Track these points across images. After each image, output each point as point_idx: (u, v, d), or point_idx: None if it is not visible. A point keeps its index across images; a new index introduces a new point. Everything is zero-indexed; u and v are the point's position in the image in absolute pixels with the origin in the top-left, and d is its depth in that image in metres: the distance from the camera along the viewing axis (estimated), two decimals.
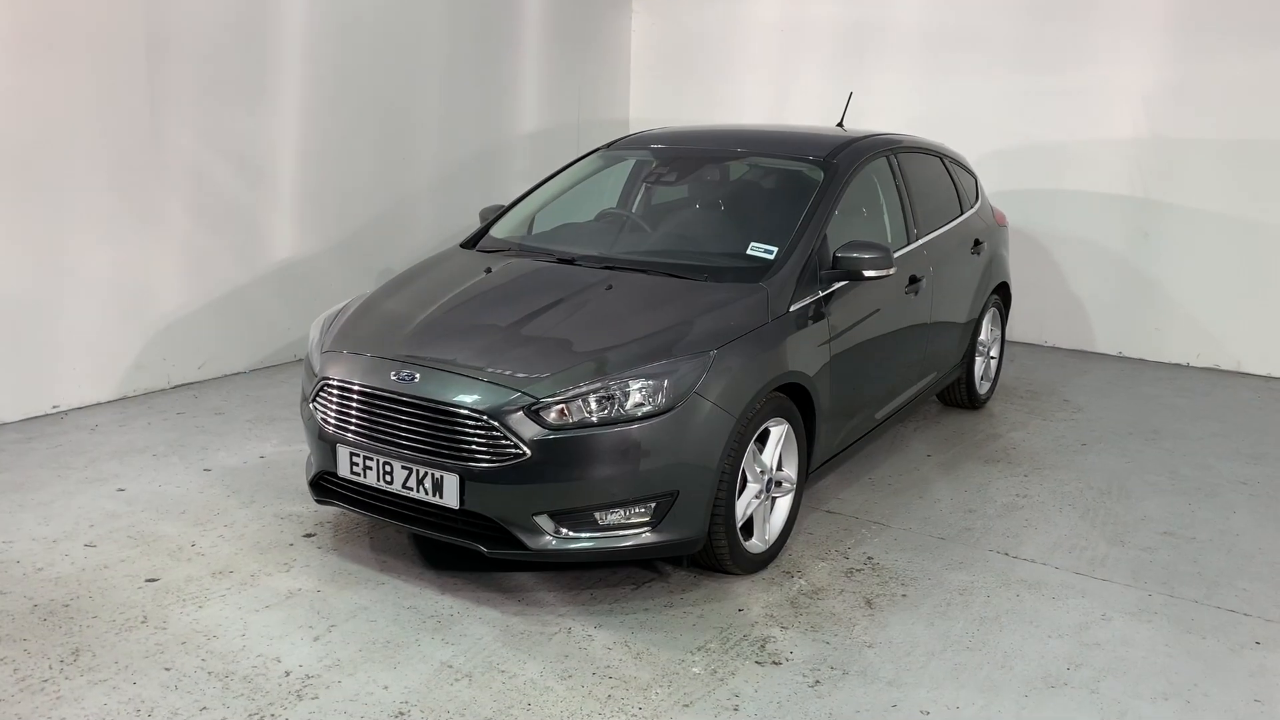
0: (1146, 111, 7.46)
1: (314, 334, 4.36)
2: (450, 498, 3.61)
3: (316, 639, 3.50)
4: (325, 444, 3.92)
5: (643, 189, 5.28)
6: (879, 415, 4.98)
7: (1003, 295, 6.47)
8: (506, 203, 5.35)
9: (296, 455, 5.19)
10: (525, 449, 3.52)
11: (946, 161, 5.97)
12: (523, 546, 3.60)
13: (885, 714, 3.18)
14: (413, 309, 4.22)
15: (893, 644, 3.58)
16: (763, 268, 4.28)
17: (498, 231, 5.05)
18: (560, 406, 3.56)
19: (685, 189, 5.09)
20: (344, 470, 3.86)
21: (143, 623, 3.57)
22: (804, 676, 3.36)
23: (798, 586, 3.98)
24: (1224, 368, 7.49)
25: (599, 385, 3.60)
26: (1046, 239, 7.92)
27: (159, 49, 5.92)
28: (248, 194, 6.56)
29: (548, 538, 3.60)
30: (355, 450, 3.81)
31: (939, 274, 5.36)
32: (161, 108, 5.97)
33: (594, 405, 3.57)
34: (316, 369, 4.07)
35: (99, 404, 5.91)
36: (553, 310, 4.03)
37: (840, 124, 6.20)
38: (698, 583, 3.97)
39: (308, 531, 4.34)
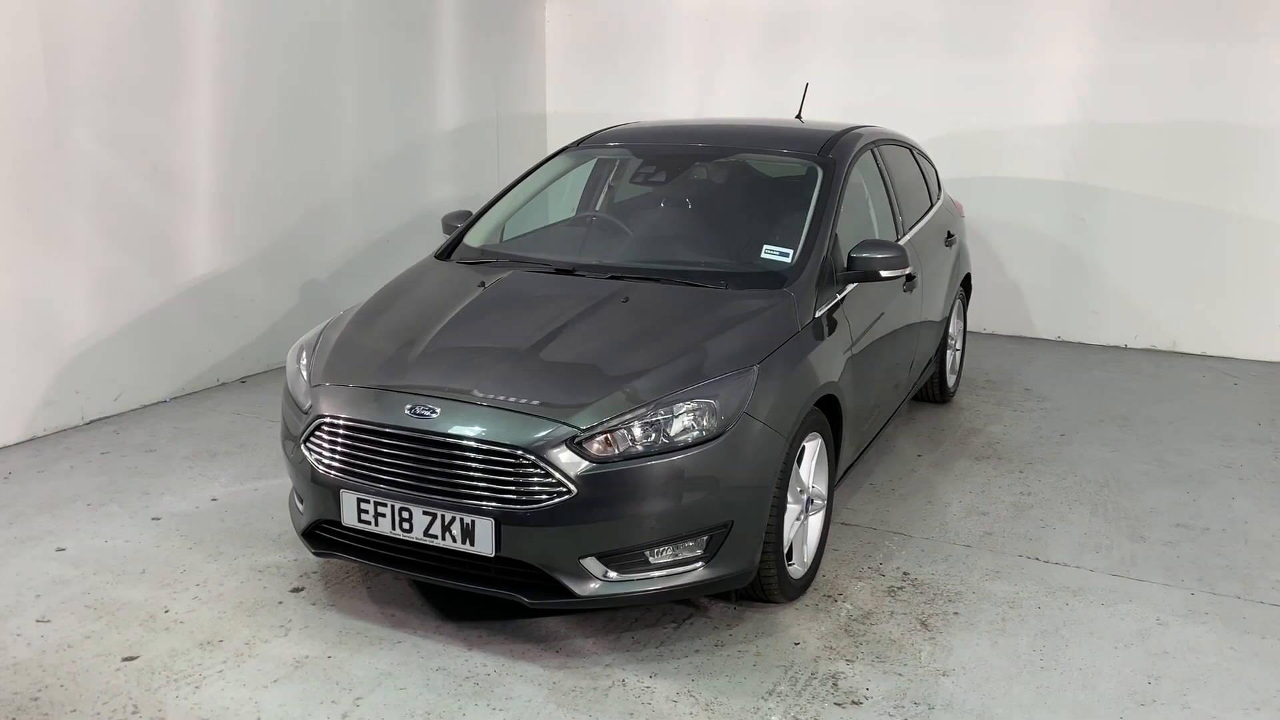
0: (1079, 96, 7.50)
1: (292, 364, 3.90)
2: (484, 544, 3.23)
3: (345, 716, 3.08)
4: (324, 490, 3.48)
5: (629, 190, 4.94)
6: (884, 420, 4.79)
7: (966, 286, 6.39)
8: (458, 208, 5.00)
9: (253, 496, 4.69)
10: (570, 486, 3.17)
11: (915, 153, 5.83)
12: (569, 594, 3.25)
13: None
14: (409, 332, 3.81)
15: (966, 669, 3.38)
16: (781, 273, 4.02)
17: (472, 240, 4.64)
18: (604, 437, 3.22)
19: (677, 189, 4.77)
20: (349, 519, 3.43)
21: (134, 714, 3.08)
22: (890, 716, 3.12)
23: (845, 611, 3.74)
24: (1161, 348, 7.61)
25: (643, 411, 3.27)
26: (983, 226, 7.90)
27: (57, 46, 5.27)
28: (160, 204, 5.94)
29: (596, 582, 3.26)
30: (364, 496, 3.38)
31: (924, 269, 5.21)
32: (62, 110, 5.32)
33: (639, 433, 3.24)
34: (305, 405, 3.61)
35: (6, 447, 5.25)
36: (571, 329, 3.68)
37: (799, 116, 6.00)
38: (741, 615, 3.69)
39: (294, 586, 3.87)
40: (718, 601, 3.76)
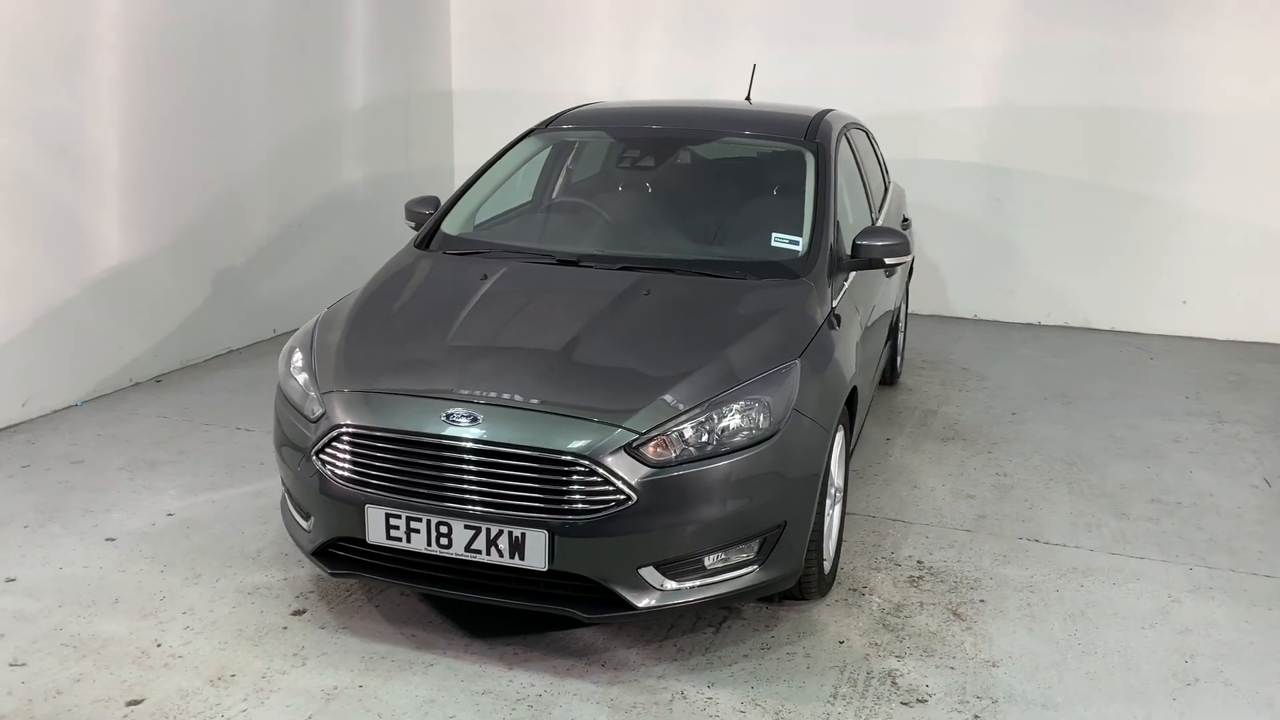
0: (997, 81, 7.67)
1: (284, 367, 3.58)
2: (536, 558, 3.03)
3: None
4: (344, 505, 3.20)
5: (614, 175, 4.74)
6: (869, 406, 4.78)
7: (909, 268, 6.45)
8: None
9: (213, 509, 4.31)
10: (630, 493, 2.99)
11: (870, 136, 5.82)
12: (628, 606, 3.08)
13: None
14: (423, 332, 3.55)
15: (1013, 659, 3.38)
16: (796, 262, 3.93)
17: (450, 227, 4.37)
18: (660, 440, 3.06)
19: (665, 174, 4.61)
20: (376, 536, 3.16)
21: None
22: (959, 713, 3.09)
23: (876, 605, 3.69)
24: (1073, 325, 7.89)
25: (697, 411, 3.12)
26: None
27: None
28: (65, 189, 5.40)
29: (654, 592, 3.10)
30: (394, 511, 3.12)
31: None
32: None
33: (694, 435, 3.10)
34: (313, 413, 3.31)
35: None
36: (600, 326, 3.49)
37: (748, 98, 5.91)
38: (776, 616, 3.59)
39: (294, 608, 3.57)
40: (750, 602, 3.65)
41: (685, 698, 3.12)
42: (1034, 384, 6.41)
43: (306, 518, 3.39)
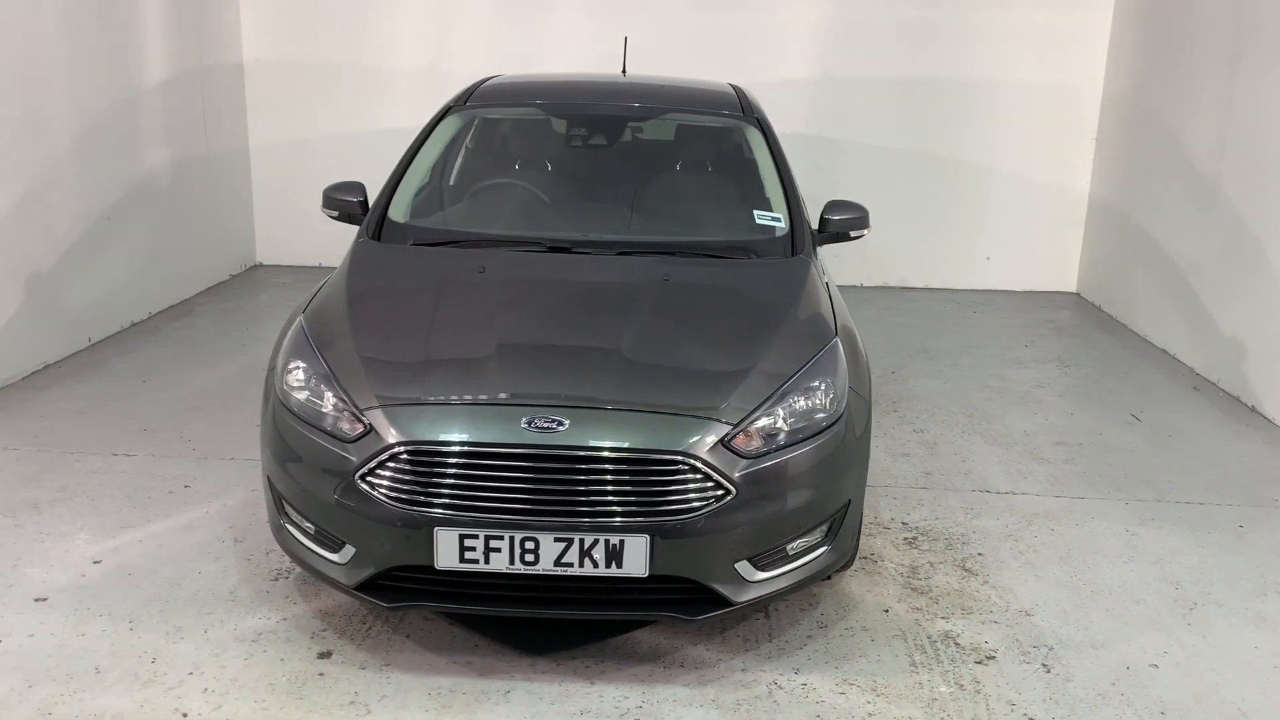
0: (816, 51, 7.96)
1: (282, 384, 3.17)
2: (635, 565, 2.87)
3: None
4: (405, 531, 2.88)
5: (566, 154, 4.49)
6: None
7: None
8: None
9: (144, 549, 3.77)
10: (731, 487, 2.90)
11: None
12: (728, 603, 3.00)
13: (1139, 674, 3.18)
14: (454, 331, 3.25)
15: (1040, 606, 3.57)
16: (784, 238, 3.92)
17: (397, 216, 4.02)
18: (745, 431, 2.98)
19: (620, 152, 4.43)
20: (448, 560, 2.88)
21: None
22: (1028, 664, 3.24)
23: (892, 570, 3.79)
24: (891, 284, 8.38)
25: (771, 399, 3.07)
26: None
27: None
28: None
29: (749, 585, 3.03)
30: (469, 531, 2.85)
31: None
32: None
33: (775, 423, 3.04)
34: (349, 432, 2.96)
35: None
36: (641, 317, 3.34)
37: (624, 71, 5.81)
38: (810, 593, 3.60)
39: (318, 650, 3.19)
40: None
41: (781, 687, 3.07)
42: (892, 342, 6.76)
43: (337, 549, 3.03)
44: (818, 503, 3.10)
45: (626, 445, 2.86)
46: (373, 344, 3.22)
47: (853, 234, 4.17)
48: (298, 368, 3.18)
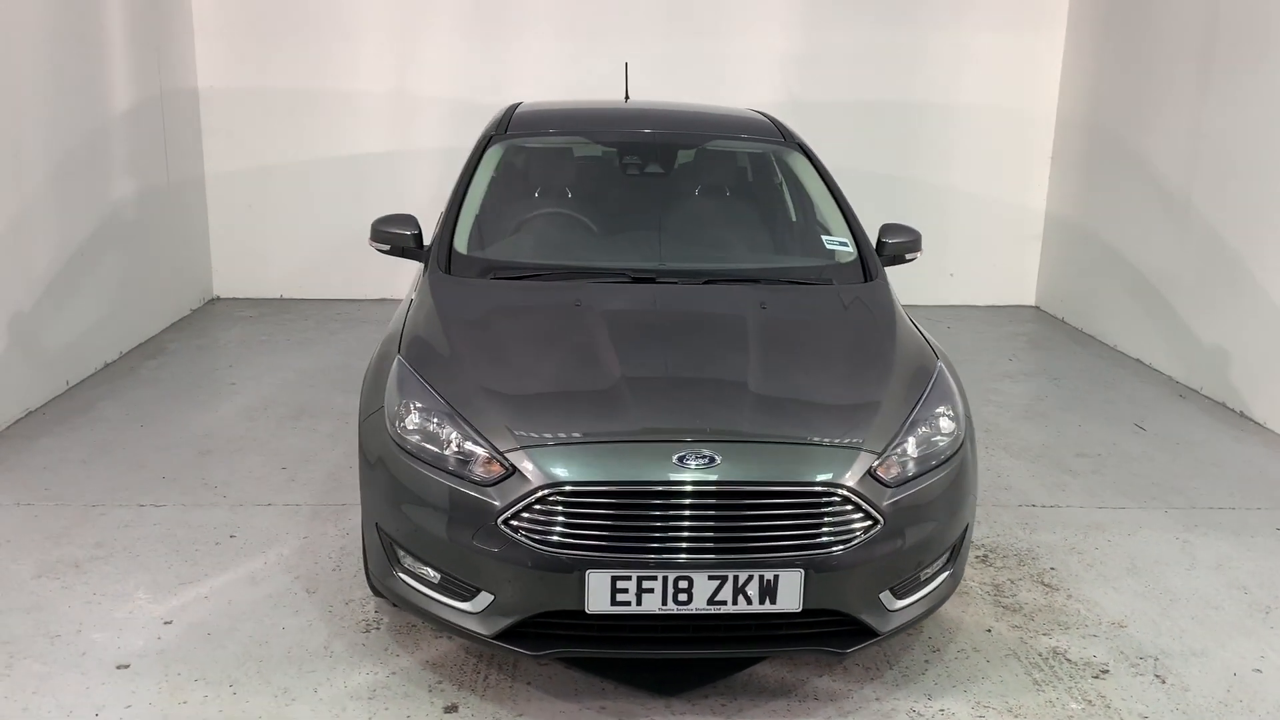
0: (785, 76, 8.07)
1: (397, 426, 3.04)
2: (788, 600, 2.83)
3: None
4: (554, 576, 2.79)
5: (622, 183, 4.42)
6: None
7: None
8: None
9: (210, 605, 3.58)
10: (879, 517, 2.89)
11: None
12: (874, 633, 2.98)
13: (1246, 680, 3.28)
14: (575, 367, 3.17)
15: (1130, 618, 3.66)
16: (854, 263, 3.95)
17: (463, 248, 3.91)
18: (887, 460, 2.99)
19: (675, 180, 4.39)
20: (599, 604, 2.79)
21: None
22: (1141, 676, 3.31)
23: (976, 589, 3.83)
24: None
25: (909, 427, 3.09)
26: None
27: None
28: None
29: (889, 615, 3.02)
30: (622, 573, 2.78)
31: None
32: None
33: (913, 450, 3.05)
34: (486, 475, 2.85)
35: None
36: (757, 348, 3.29)
37: (626, 97, 5.80)
38: None
39: (444, 705, 3.06)
40: None
41: (920, 714, 3.07)
42: None
43: (470, 597, 2.92)
44: (948, 527, 3.11)
45: (781, 479, 2.84)
46: (493, 381, 3.11)
47: (908, 256, 4.22)
48: (416, 409, 3.05)
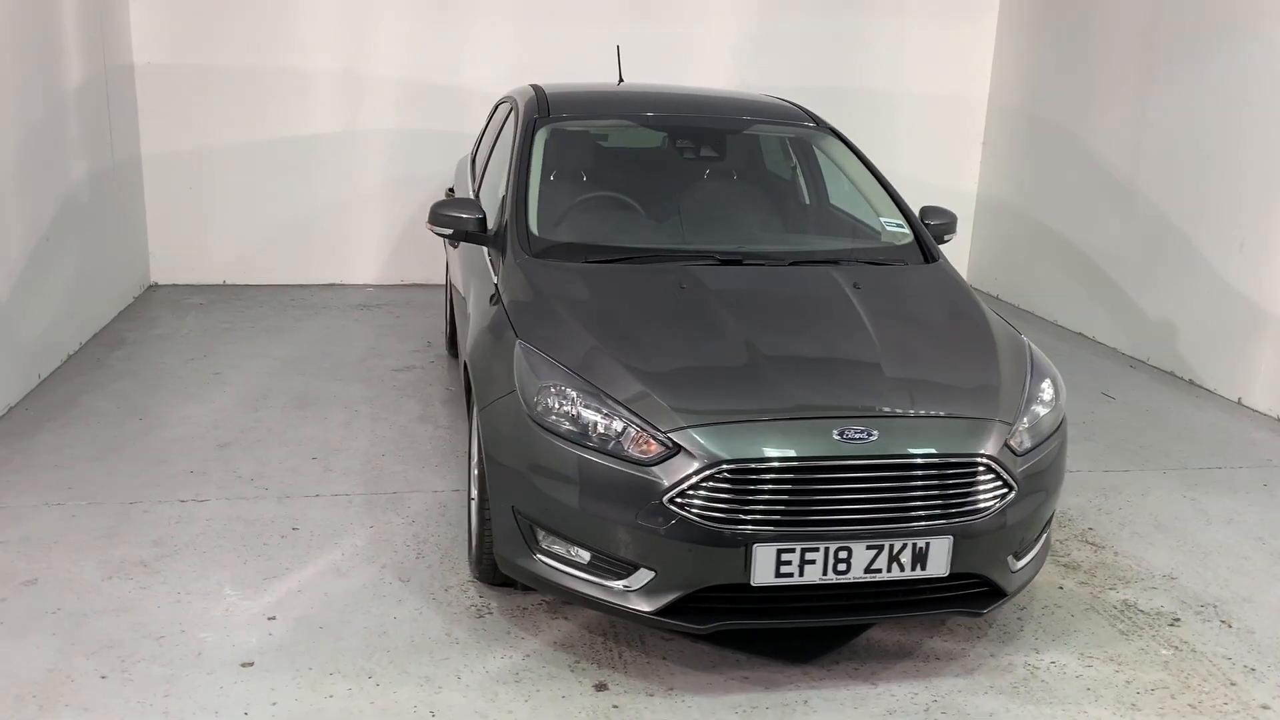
0: (735, 62, 8.22)
1: (546, 407, 3.04)
2: (938, 565, 2.99)
3: None
4: (720, 551, 2.87)
5: (679, 166, 4.46)
6: None
7: None
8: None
9: (305, 599, 3.50)
10: (1014, 484, 3.08)
11: None
12: (1003, 593, 3.17)
13: None
14: (704, 347, 3.24)
15: (1176, 570, 3.95)
16: (913, 244, 4.13)
17: (546, 233, 3.91)
18: (1016, 431, 3.17)
19: (726, 164, 4.46)
20: (763, 576, 2.89)
21: None
22: (1208, 622, 3.59)
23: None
24: None
25: (1028, 398, 3.28)
26: None
27: None
28: None
29: (1013, 576, 3.21)
30: (786, 546, 2.88)
31: None
32: None
33: (1029, 421, 3.25)
34: (645, 454, 2.90)
35: None
36: (874, 327, 3.41)
37: (620, 80, 5.85)
38: None
39: (593, 682, 3.10)
40: None
41: (1036, 667, 3.28)
42: None
43: (626, 574, 2.97)
44: (1054, 494, 3.32)
45: (934, 451, 2.98)
46: (633, 361, 3.14)
47: (946, 237, 4.41)
48: (560, 392, 3.06)
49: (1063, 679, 3.21)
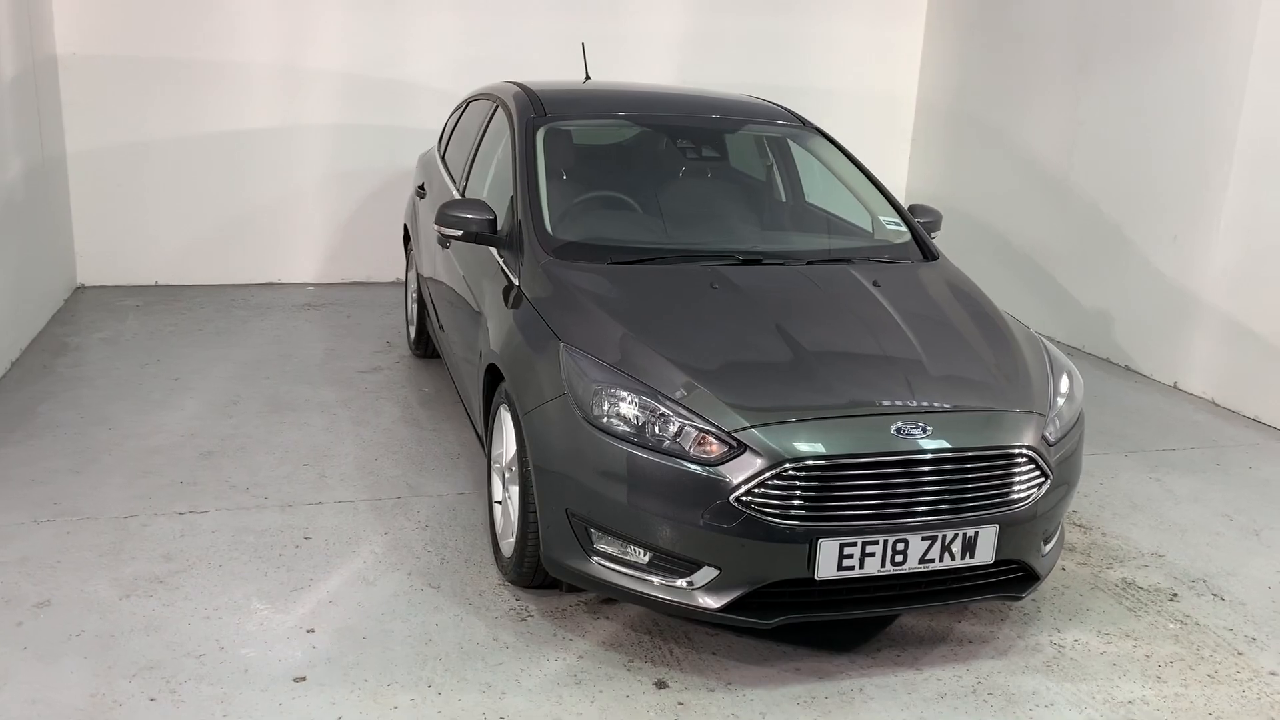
0: (674, 59, 8.29)
1: (602, 410, 3.05)
2: (984, 553, 3.12)
3: None
4: (785, 547, 2.95)
5: (678, 166, 4.47)
6: None
7: None
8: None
9: (340, 610, 3.44)
10: (1050, 473, 3.23)
11: None
12: (1037, 577, 3.32)
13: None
14: (751, 346, 3.30)
15: (1161, 548, 4.18)
16: (910, 243, 4.26)
17: (565, 235, 3.91)
18: (1049, 422, 3.32)
19: (727, 164, 4.51)
20: (827, 569, 2.97)
21: None
22: (1202, 596, 3.83)
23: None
24: None
25: (1053, 389, 3.43)
26: None
27: None
28: None
29: (1044, 560, 3.37)
30: (848, 540, 2.97)
31: None
32: None
33: (1056, 411, 3.40)
34: (709, 453, 2.94)
35: None
36: (902, 323, 3.53)
37: (587, 77, 5.87)
38: None
39: (652, 680, 3.13)
40: None
41: (1062, 647, 3.44)
42: None
43: (688, 573, 3.02)
44: (1076, 482, 3.49)
45: (984, 444, 3.10)
46: (683, 360, 3.17)
47: (933, 234, 4.57)
48: (614, 394, 3.07)
49: (1088, 656, 3.38)
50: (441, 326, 4.91)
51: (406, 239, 6.32)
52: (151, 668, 3.07)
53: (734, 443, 2.95)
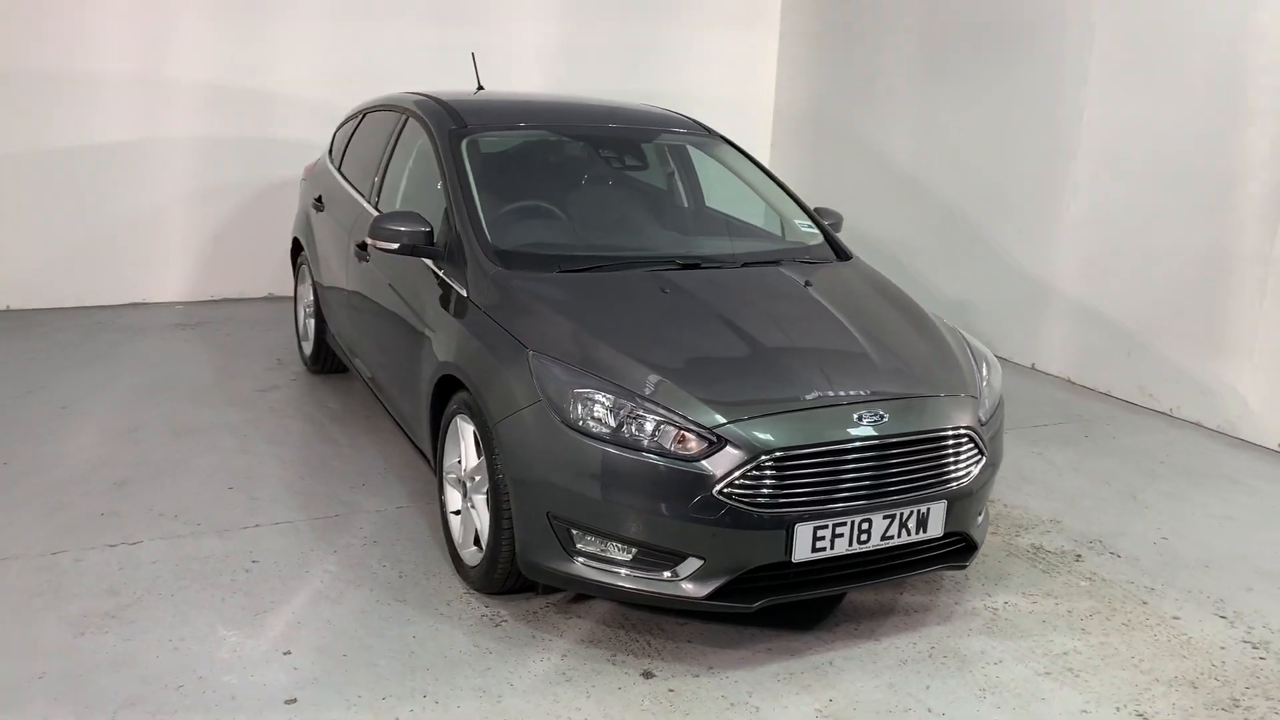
0: (542, 67, 8.39)
1: (584, 410, 3.16)
2: (935, 527, 3.39)
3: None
4: (765, 534, 3.13)
5: (601, 175, 4.56)
6: None
7: None
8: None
9: (311, 630, 3.41)
10: (985, 451, 3.53)
11: None
12: (975, 547, 3.62)
13: (1166, 543, 4.31)
14: (713, 346, 3.47)
15: (1058, 514, 4.59)
16: (824, 244, 4.52)
17: (505, 244, 3.97)
18: (982, 405, 3.62)
19: (648, 174, 4.63)
20: (802, 552, 3.17)
21: None
22: (1101, 555, 4.23)
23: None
24: None
25: (979, 375, 3.74)
26: None
27: None
28: None
29: (980, 532, 3.67)
30: (820, 523, 3.18)
31: None
32: None
33: (987, 396, 3.71)
34: (690, 449, 3.10)
35: None
36: (844, 319, 3.76)
37: (480, 87, 5.93)
38: None
39: (640, 670, 3.26)
40: None
41: (997, 610, 3.75)
42: None
43: (671, 565, 3.16)
44: (1000, 458, 3.80)
45: (934, 426, 3.36)
46: (654, 362, 3.30)
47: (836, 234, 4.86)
48: (590, 397, 3.18)
49: (1020, 615, 3.71)
50: (355, 340, 4.87)
51: (295, 253, 6.19)
52: (132, 703, 2.98)
53: (713, 438, 3.11)
